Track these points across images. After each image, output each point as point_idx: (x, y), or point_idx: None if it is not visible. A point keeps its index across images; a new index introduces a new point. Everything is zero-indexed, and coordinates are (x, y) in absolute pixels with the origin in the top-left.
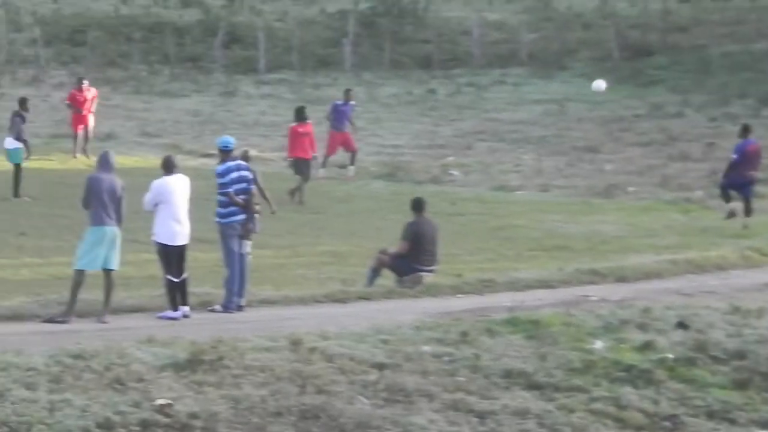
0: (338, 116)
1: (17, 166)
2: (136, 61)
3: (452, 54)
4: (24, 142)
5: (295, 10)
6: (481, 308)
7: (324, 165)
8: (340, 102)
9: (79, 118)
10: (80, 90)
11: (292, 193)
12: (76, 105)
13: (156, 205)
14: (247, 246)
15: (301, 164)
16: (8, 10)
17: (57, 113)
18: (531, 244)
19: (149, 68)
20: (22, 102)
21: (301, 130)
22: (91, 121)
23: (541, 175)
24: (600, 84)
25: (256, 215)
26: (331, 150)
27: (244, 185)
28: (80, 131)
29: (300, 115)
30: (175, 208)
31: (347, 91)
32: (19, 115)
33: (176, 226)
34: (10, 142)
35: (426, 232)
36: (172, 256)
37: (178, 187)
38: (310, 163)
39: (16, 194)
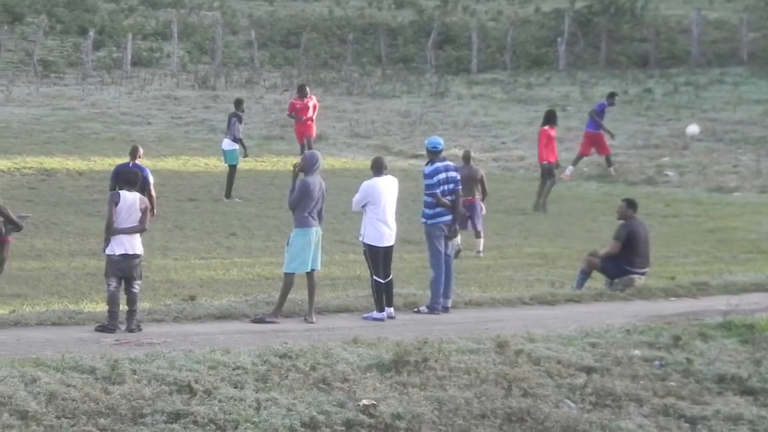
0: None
1: (232, 167)
2: (348, 63)
3: (670, 53)
4: (240, 141)
5: (509, 10)
6: (695, 312)
7: (610, 164)
8: (605, 103)
9: (301, 127)
10: (302, 98)
11: (540, 206)
12: (297, 114)
13: (364, 206)
14: (455, 244)
15: (551, 168)
16: (225, 12)
17: (270, 115)
18: (747, 247)
19: (361, 69)
20: (238, 103)
21: (553, 133)
22: (314, 129)
23: (760, 176)
24: (693, 129)
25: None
26: (605, 149)
27: (451, 186)
28: (304, 140)
29: (552, 118)
30: (384, 209)
31: (612, 95)
32: (236, 116)
33: (384, 227)
34: (228, 143)
35: (639, 233)
36: (380, 257)
37: (386, 189)
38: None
39: (228, 195)
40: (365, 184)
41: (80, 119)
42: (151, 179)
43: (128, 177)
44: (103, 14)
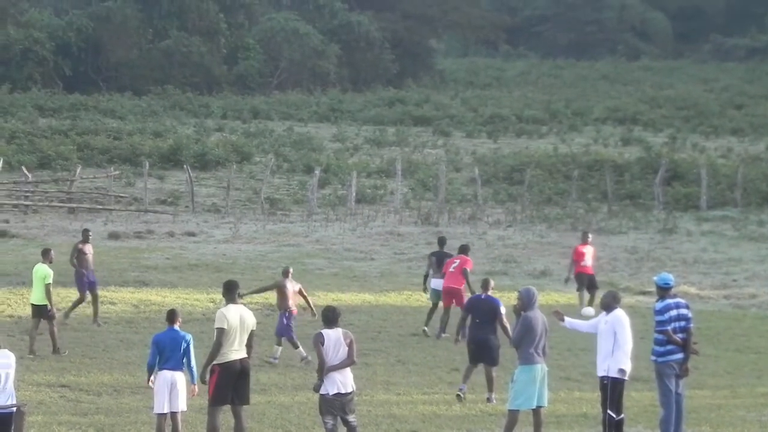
0: None
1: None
2: (573, 199)
3: None
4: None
5: (739, 147)
6: None
7: None
8: None
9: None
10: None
11: None
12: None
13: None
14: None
15: None
16: (448, 150)
17: (492, 251)
18: None
19: (586, 206)
20: (443, 241)
21: None
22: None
23: None
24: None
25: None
26: None
27: (682, 323)
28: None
29: None
30: (628, 342)
31: None
32: (448, 255)
33: (629, 360)
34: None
35: None
36: (621, 391)
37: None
38: None
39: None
40: (621, 314)
41: (305, 255)
42: None
43: (327, 315)
44: (328, 153)
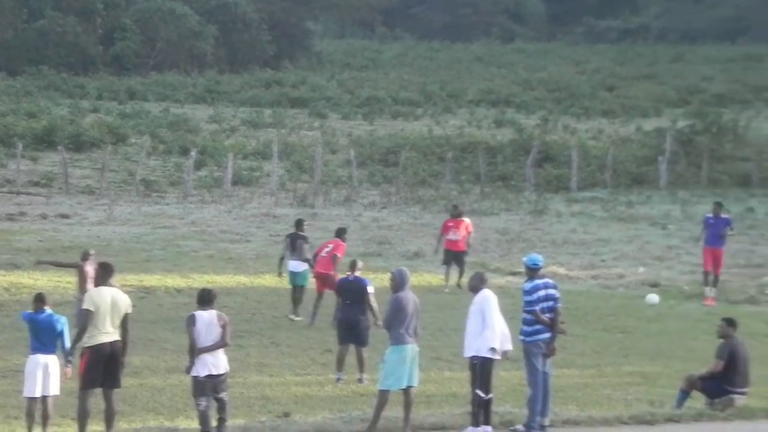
0: (708, 231)
1: (301, 288)
2: (447, 181)
3: None
4: (308, 261)
5: (610, 128)
6: None
7: (707, 283)
8: (710, 215)
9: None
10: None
11: None
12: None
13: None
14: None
15: None
16: (325, 132)
17: (367, 232)
18: None
19: (460, 187)
20: (299, 223)
21: None
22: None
23: None
24: (653, 298)
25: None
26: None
27: (551, 303)
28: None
29: None
30: (496, 321)
31: (717, 205)
32: (302, 237)
33: (498, 338)
34: (299, 265)
35: (739, 352)
36: (490, 370)
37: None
38: None
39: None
40: (480, 296)
41: (180, 237)
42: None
43: (202, 296)
44: (205, 135)
